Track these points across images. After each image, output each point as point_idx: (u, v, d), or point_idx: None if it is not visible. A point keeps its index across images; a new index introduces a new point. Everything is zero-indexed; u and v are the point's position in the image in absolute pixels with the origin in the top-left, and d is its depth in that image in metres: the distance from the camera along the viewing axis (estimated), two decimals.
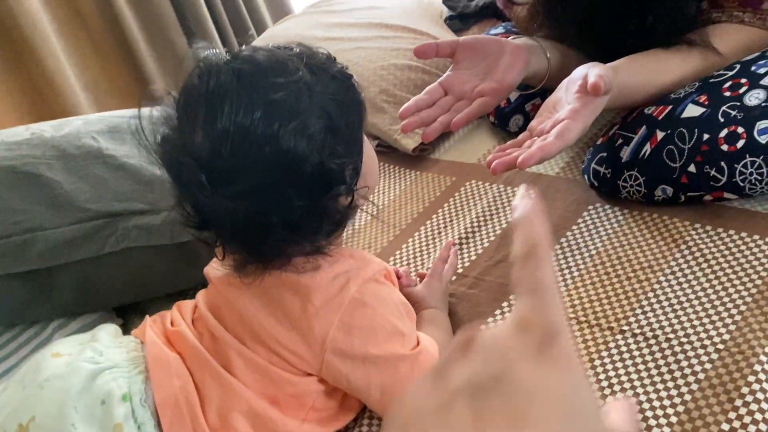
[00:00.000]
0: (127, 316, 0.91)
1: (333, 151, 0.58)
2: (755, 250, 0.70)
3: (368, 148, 0.68)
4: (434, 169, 1.08)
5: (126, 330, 0.83)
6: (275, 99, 0.55)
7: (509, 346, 0.28)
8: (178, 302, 0.72)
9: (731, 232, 0.73)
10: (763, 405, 0.54)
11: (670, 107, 0.79)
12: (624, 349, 0.64)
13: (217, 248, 0.65)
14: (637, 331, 0.65)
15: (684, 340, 0.63)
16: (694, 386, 0.58)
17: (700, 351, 0.61)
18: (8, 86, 1.69)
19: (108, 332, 0.68)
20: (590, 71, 0.72)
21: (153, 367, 0.61)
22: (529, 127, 0.78)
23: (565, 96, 0.76)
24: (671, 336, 0.63)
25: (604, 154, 0.84)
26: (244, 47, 0.61)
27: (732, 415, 0.54)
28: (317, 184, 0.57)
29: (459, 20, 1.34)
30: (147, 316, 0.70)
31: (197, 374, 0.62)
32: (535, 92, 1.03)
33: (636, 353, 0.63)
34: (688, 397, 0.57)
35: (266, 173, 0.55)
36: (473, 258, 0.85)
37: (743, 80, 0.76)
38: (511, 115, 1.06)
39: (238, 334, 0.63)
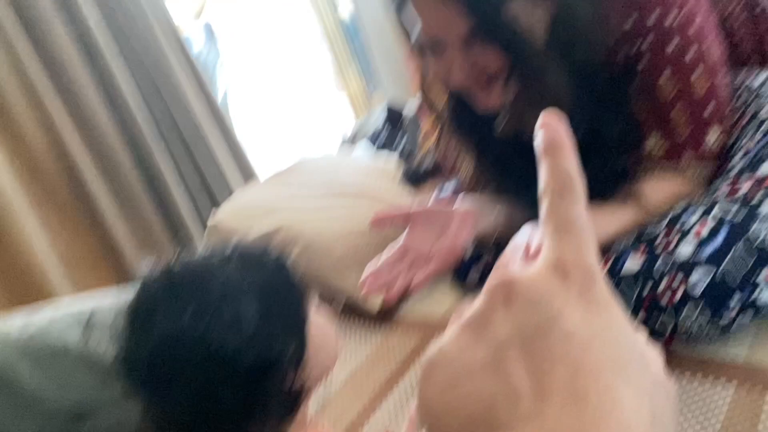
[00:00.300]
0: None
1: (268, 343, 0.60)
2: (711, 392, 0.72)
3: (321, 327, 0.69)
4: (400, 329, 1.11)
5: None
6: (203, 300, 0.58)
7: (552, 291, 0.26)
8: None
9: (687, 374, 0.76)
10: None
11: (611, 260, 0.84)
12: None
13: None
14: None
15: None
16: None
17: None
18: None
19: None
20: (533, 238, 0.78)
21: None
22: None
23: (513, 260, 0.81)
24: None
25: None
26: (178, 256, 0.65)
27: None
28: (256, 377, 0.59)
29: (413, 178, 1.43)
30: None
31: None
32: (488, 247, 1.09)
33: None
34: None
35: (203, 375, 0.57)
36: None
37: (674, 232, 0.81)
38: (469, 268, 1.11)
39: None
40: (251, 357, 0.58)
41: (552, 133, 0.30)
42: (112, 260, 1.99)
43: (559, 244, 0.27)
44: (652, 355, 0.28)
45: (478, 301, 0.27)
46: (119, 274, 1.97)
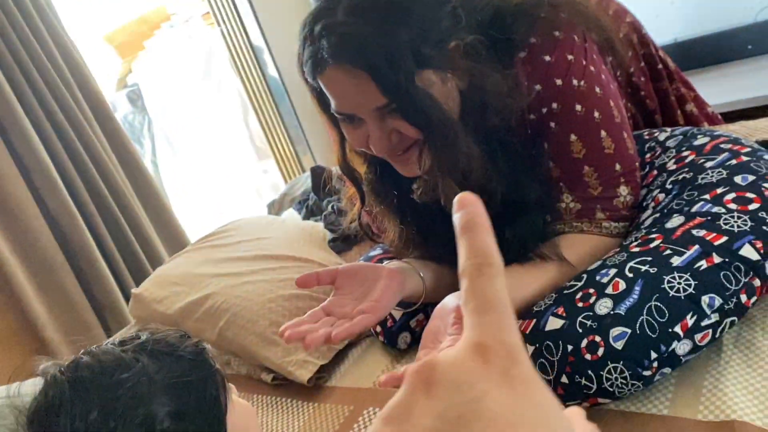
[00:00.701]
0: None
1: None
2: None
3: (240, 410, 0.67)
4: (331, 398, 1.08)
5: None
6: (112, 398, 0.56)
7: (474, 373, 0.25)
8: None
9: (616, 428, 0.76)
10: None
11: (534, 321, 0.85)
12: None
13: None
14: None
15: None
16: None
17: None
18: None
19: None
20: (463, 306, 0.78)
21: None
22: (417, 357, 0.81)
23: (443, 325, 0.81)
24: None
25: None
26: (83, 351, 0.62)
27: None
28: None
29: (341, 242, 1.42)
30: None
31: None
32: (417, 309, 1.09)
33: None
34: None
35: None
36: None
37: (591, 290, 0.83)
38: (398, 333, 1.10)
39: None
40: None
41: (469, 213, 0.30)
42: (31, 338, 1.89)
43: (479, 324, 0.27)
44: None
45: (400, 391, 0.26)
46: (39, 351, 1.87)
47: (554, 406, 0.26)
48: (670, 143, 1.03)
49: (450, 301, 0.84)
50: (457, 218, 0.30)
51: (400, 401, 0.26)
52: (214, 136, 2.71)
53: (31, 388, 0.63)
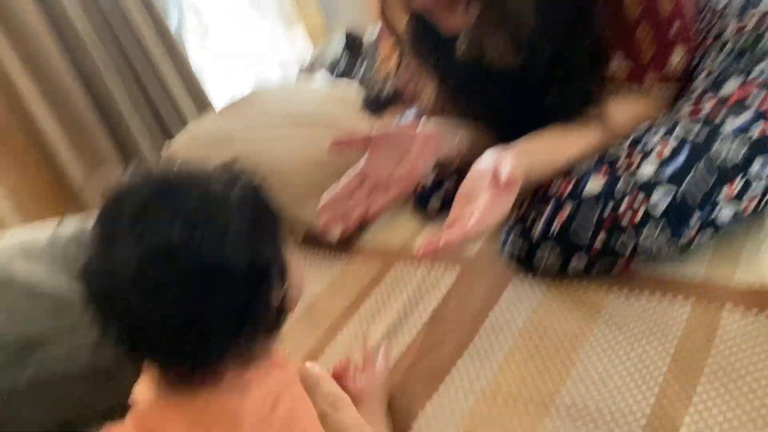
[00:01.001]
0: None
1: (257, 251, 0.58)
2: (668, 309, 0.73)
3: (291, 252, 0.68)
4: (360, 257, 1.09)
5: None
6: (193, 209, 0.56)
7: None
8: (108, 429, 0.69)
9: (645, 293, 0.76)
10: None
11: (574, 181, 0.83)
12: (558, 423, 0.65)
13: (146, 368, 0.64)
14: (569, 403, 0.67)
15: (613, 408, 0.64)
16: None
17: (630, 418, 0.63)
18: None
19: None
20: (501, 165, 0.76)
21: None
22: (448, 219, 0.81)
23: (478, 186, 0.80)
24: (602, 406, 0.65)
25: (518, 230, 0.88)
26: (159, 164, 0.62)
27: None
28: (246, 285, 0.57)
29: (374, 106, 1.39)
30: None
31: None
32: (449, 172, 1.07)
33: (570, 426, 0.64)
34: None
35: (194, 282, 0.55)
36: (405, 347, 0.85)
37: (636, 153, 0.81)
38: (430, 196, 1.09)
39: None
40: (243, 265, 0.56)
41: (308, 375, 0.43)
42: (64, 195, 1.92)
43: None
44: None
45: None
46: (71, 208, 1.91)
47: None
48: (729, 10, 0.96)
49: (486, 160, 0.82)
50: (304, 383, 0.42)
51: None
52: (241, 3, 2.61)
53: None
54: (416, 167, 0.89)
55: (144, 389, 0.67)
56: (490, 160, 0.80)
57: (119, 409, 0.69)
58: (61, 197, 1.91)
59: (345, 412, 0.40)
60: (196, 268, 0.55)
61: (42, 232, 0.95)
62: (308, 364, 0.44)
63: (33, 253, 0.90)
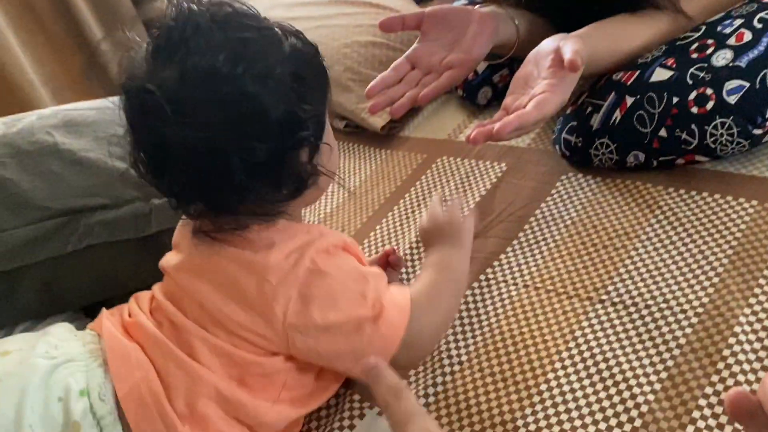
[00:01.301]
0: (95, 315, 0.88)
1: (297, 99, 0.58)
2: (729, 211, 0.69)
3: (329, 128, 0.66)
4: (404, 147, 1.06)
5: None
6: (246, 39, 0.56)
7: None
8: (135, 294, 0.70)
9: (705, 194, 0.72)
10: (745, 366, 0.54)
11: (638, 72, 0.78)
12: (604, 318, 0.64)
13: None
14: (616, 299, 0.65)
15: (663, 306, 0.62)
16: (676, 351, 0.58)
17: (680, 316, 0.60)
18: None
19: (62, 326, 0.66)
20: (564, 46, 0.71)
21: (112, 360, 0.60)
22: (503, 105, 0.76)
23: (537, 70, 0.75)
24: (650, 303, 0.63)
25: (574, 123, 0.83)
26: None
27: (715, 378, 0.54)
28: (280, 129, 0.57)
29: None
30: (103, 309, 0.68)
31: (159, 363, 0.60)
32: (503, 63, 1.02)
33: (616, 322, 0.63)
34: (670, 362, 0.57)
35: (229, 111, 0.55)
36: None
37: (710, 41, 0.75)
38: (479, 87, 1.04)
39: (198, 320, 0.61)
40: (282, 108, 0.56)
41: (372, 367, 0.47)
42: (102, 82, 1.91)
43: (411, 428, 0.43)
44: None
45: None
46: (111, 95, 1.90)
47: None
48: None
49: (547, 44, 0.76)
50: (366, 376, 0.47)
51: None
52: None
53: None
54: (472, 50, 0.84)
55: (172, 256, 0.67)
56: (551, 43, 0.75)
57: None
58: (96, 85, 1.90)
59: (407, 402, 0.44)
60: (233, 97, 0.55)
61: (82, 105, 0.94)
62: (372, 358, 0.47)
63: (75, 127, 0.90)
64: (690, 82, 0.73)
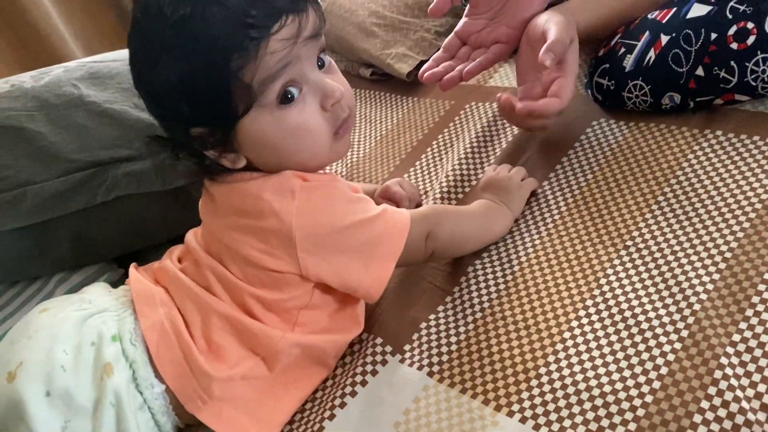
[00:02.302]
0: (128, 266, 0.90)
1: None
2: None
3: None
4: (432, 93, 1.04)
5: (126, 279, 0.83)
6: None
7: None
8: (171, 248, 0.71)
9: (743, 136, 0.69)
10: None
11: (674, 9, 0.74)
12: (629, 265, 0.62)
13: None
14: (642, 245, 0.63)
15: (690, 251, 0.60)
16: (703, 296, 0.56)
17: (708, 261, 0.58)
18: None
19: (98, 285, 0.68)
20: (548, 31, 0.71)
21: (137, 300, 0.62)
22: (519, 94, 0.78)
23: (534, 55, 0.72)
24: (677, 248, 0.61)
25: (607, 66, 0.80)
26: None
27: (743, 324, 0.52)
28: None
29: None
30: (133, 264, 0.70)
31: (179, 301, 0.62)
32: None
33: (642, 268, 0.61)
34: (697, 306, 0.55)
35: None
36: (477, 178, 0.82)
37: None
38: None
39: (215, 253, 0.63)
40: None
41: None
42: (126, 33, 1.92)
43: None
44: None
45: None
46: None
47: None
48: None
49: (537, 26, 0.74)
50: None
51: None
52: None
53: None
54: (519, 28, 0.80)
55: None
56: (541, 23, 0.74)
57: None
58: (123, 35, 1.91)
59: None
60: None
61: (107, 56, 0.94)
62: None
63: (100, 79, 0.90)
64: (730, 16, 0.68)
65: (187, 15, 0.53)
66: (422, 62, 1.06)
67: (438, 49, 0.86)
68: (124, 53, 0.96)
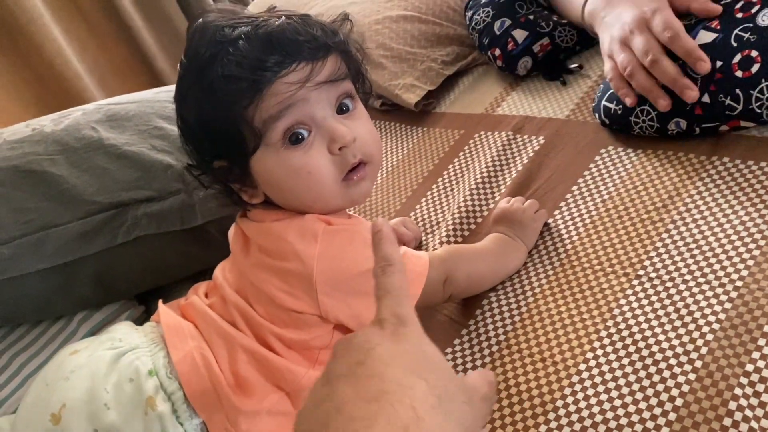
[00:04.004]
0: (148, 303, 0.92)
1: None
2: None
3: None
4: (441, 123, 1.05)
5: (147, 316, 0.84)
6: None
7: (371, 335, 0.39)
8: (196, 284, 0.73)
9: (750, 162, 0.69)
10: None
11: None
12: (641, 295, 0.62)
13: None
14: (653, 274, 0.64)
15: (701, 280, 0.61)
16: (716, 325, 0.56)
17: (719, 290, 0.59)
18: (9, 78, 1.68)
19: (124, 324, 0.70)
20: None
21: (167, 334, 0.63)
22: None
23: None
24: (688, 277, 0.62)
25: (614, 91, 0.81)
26: None
27: (756, 354, 0.53)
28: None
29: None
30: (160, 300, 0.71)
31: (207, 335, 0.64)
32: (543, 32, 1.00)
33: (654, 298, 0.62)
34: (710, 336, 0.56)
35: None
36: (488, 208, 0.83)
37: (755, 0, 0.71)
38: (520, 57, 1.02)
39: (241, 290, 0.64)
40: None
41: (377, 231, 0.45)
42: (144, 67, 1.95)
43: (380, 306, 0.41)
44: (469, 380, 0.42)
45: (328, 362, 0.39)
46: (152, 81, 1.94)
47: (438, 356, 0.40)
48: None
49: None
50: (372, 238, 0.45)
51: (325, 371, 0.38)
52: None
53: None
54: None
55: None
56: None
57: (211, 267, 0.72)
58: (137, 69, 1.94)
59: (392, 278, 0.42)
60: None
61: (124, 99, 0.97)
62: (379, 219, 0.47)
63: (118, 122, 0.93)
64: (735, 44, 0.69)
65: (212, 56, 0.58)
66: (430, 92, 1.09)
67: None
68: (140, 95, 0.99)
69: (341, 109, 0.63)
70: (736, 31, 0.70)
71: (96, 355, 0.61)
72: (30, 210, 0.84)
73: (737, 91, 0.69)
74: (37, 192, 0.85)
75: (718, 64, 0.70)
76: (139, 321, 0.85)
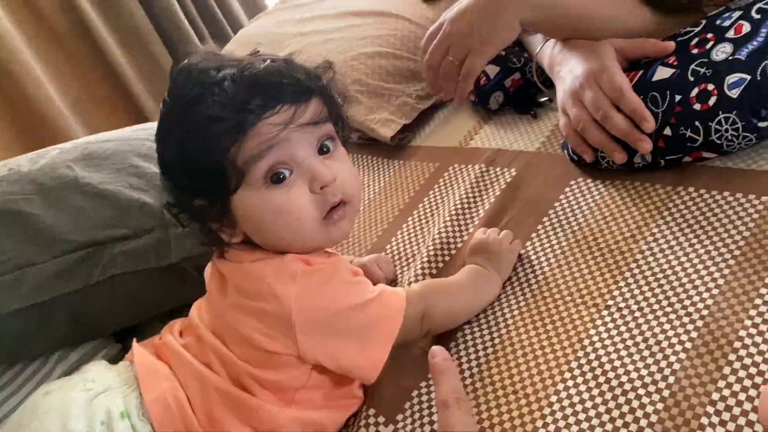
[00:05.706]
0: (125, 341, 0.92)
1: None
2: (738, 208, 0.68)
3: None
4: (416, 156, 1.07)
5: (124, 354, 0.84)
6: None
7: (446, 416, 0.50)
8: (171, 322, 0.73)
9: (714, 192, 0.71)
10: (752, 370, 0.54)
11: (641, 72, 0.77)
12: (611, 325, 0.64)
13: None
14: (622, 305, 0.65)
15: (669, 309, 0.62)
16: (682, 355, 0.57)
17: (685, 319, 0.60)
18: None
19: (98, 364, 0.70)
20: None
21: (141, 375, 0.63)
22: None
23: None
24: (656, 307, 0.63)
25: None
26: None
27: (721, 383, 0.54)
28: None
29: None
30: (134, 339, 0.71)
31: (181, 376, 0.63)
32: (515, 67, 1.02)
33: (623, 328, 0.63)
34: (677, 366, 0.57)
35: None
36: (460, 243, 0.85)
37: (709, 35, 0.74)
38: (492, 92, 1.05)
39: (216, 330, 0.65)
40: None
41: (440, 362, 0.55)
42: (127, 104, 1.97)
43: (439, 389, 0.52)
44: None
45: None
46: (137, 117, 1.96)
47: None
48: None
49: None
50: (432, 364, 0.54)
51: None
52: None
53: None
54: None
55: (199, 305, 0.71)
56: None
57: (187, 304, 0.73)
58: (120, 106, 1.96)
59: (465, 413, 0.48)
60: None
61: (101, 137, 0.98)
62: (436, 348, 0.56)
63: (94, 160, 0.93)
64: (691, 78, 0.72)
65: (197, 96, 0.59)
66: (405, 126, 1.11)
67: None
68: (117, 133, 1.00)
69: (322, 150, 0.65)
70: (692, 66, 0.72)
71: (68, 397, 0.61)
72: (6, 250, 0.84)
73: (697, 123, 0.71)
74: (12, 232, 0.85)
75: (677, 98, 0.72)
76: (116, 359, 0.84)
